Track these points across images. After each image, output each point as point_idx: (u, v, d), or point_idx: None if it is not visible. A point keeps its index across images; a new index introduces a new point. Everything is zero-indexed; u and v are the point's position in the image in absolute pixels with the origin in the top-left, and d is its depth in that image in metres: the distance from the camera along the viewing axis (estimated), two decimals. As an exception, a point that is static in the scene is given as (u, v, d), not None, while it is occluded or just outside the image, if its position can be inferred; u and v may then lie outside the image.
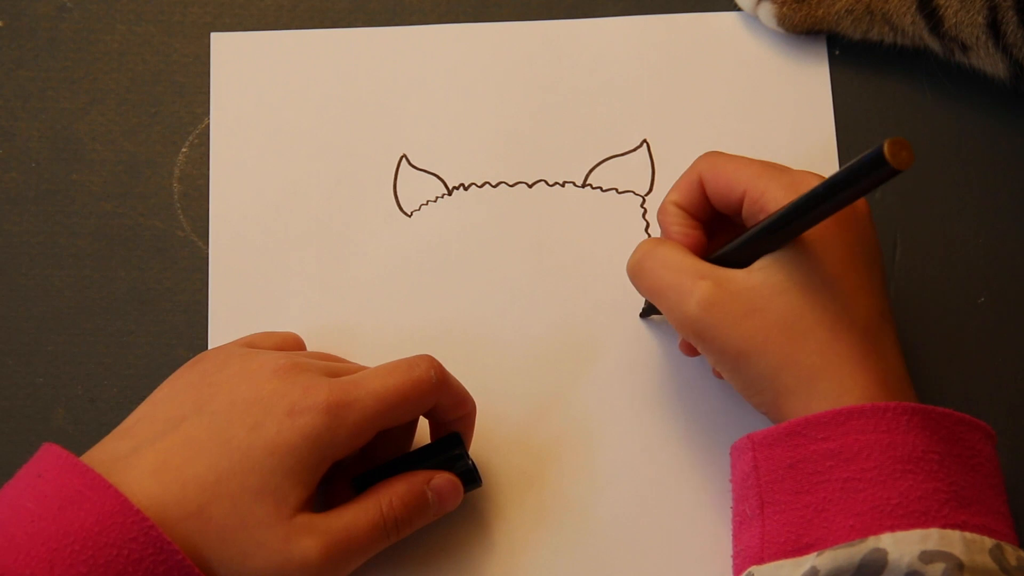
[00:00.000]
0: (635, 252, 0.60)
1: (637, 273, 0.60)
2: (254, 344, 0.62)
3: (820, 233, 0.56)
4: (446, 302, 0.67)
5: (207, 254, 0.67)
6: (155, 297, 0.67)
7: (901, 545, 0.51)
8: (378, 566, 0.60)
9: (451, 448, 0.60)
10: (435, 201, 0.68)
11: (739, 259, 0.58)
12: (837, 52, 0.70)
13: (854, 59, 0.69)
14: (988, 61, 0.66)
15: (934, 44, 0.67)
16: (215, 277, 0.67)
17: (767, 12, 0.69)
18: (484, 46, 0.70)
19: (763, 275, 0.56)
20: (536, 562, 0.62)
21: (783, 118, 0.69)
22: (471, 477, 0.60)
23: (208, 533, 0.53)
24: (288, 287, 0.67)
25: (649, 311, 0.66)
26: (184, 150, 0.69)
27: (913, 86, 0.69)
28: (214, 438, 0.55)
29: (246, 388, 0.57)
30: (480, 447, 0.63)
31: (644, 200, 0.68)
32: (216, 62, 0.70)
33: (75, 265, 0.67)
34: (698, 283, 0.57)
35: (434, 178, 0.69)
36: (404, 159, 0.69)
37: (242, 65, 0.70)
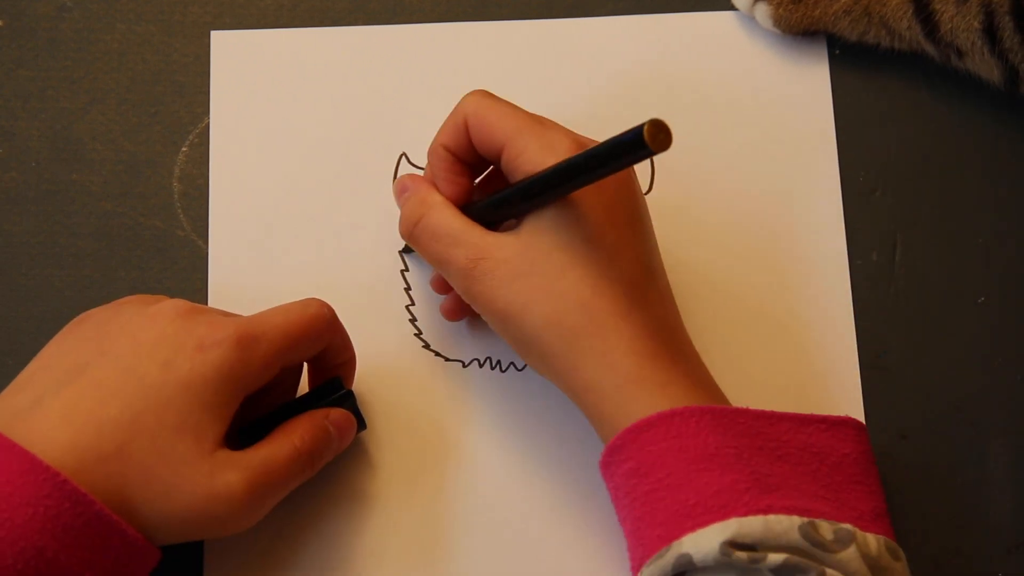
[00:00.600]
0: (405, 216, 0.61)
1: (411, 242, 0.62)
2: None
3: (581, 195, 0.57)
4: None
5: (207, 254, 0.67)
6: (155, 297, 0.67)
7: (701, 542, 0.51)
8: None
9: (334, 392, 0.61)
10: (435, 200, 0.68)
11: (497, 215, 0.60)
12: (837, 52, 0.69)
13: (854, 59, 0.69)
14: (983, 67, 0.66)
15: (930, 49, 0.67)
16: (215, 277, 0.67)
17: (763, 13, 0.69)
18: (484, 45, 0.70)
19: (528, 238, 0.58)
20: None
21: (783, 118, 0.69)
22: (357, 419, 0.61)
23: (129, 473, 0.53)
24: (288, 286, 0.67)
25: (408, 248, 0.67)
26: (184, 150, 0.69)
27: (913, 86, 0.69)
28: (124, 378, 0.54)
29: (148, 329, 0.56)
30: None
31: (644, 199, 0.68)
32: (216, 61, 0.70)
33: (75, 265, 0.67)
34: (465, 252, 0.58)
35: (434, 177, 0.69)
36: (404, 157, 0.69)
37: (242, 64, 0.70)
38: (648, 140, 0.49)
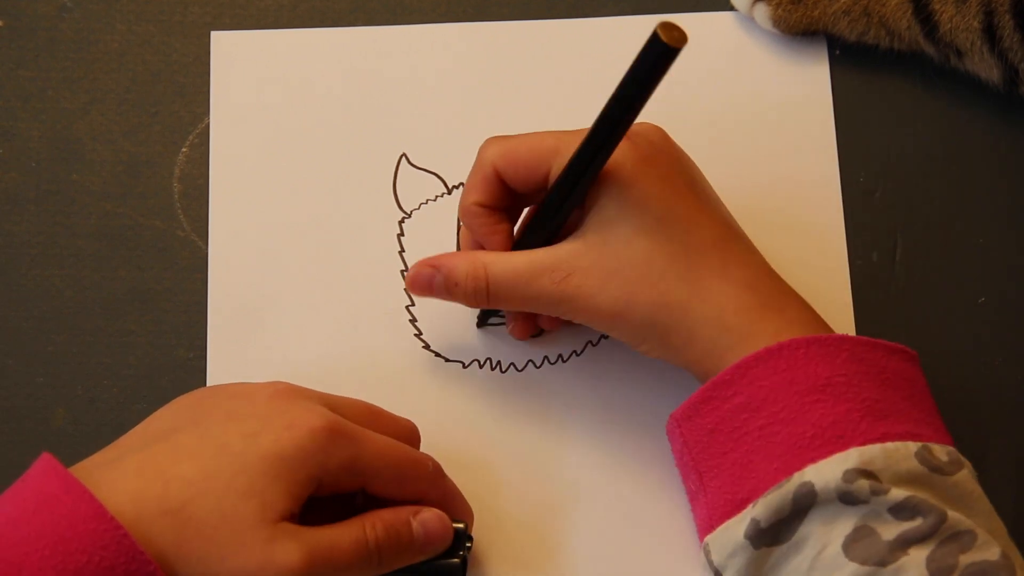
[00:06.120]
0: (470, 294, 0.60)
1: (493, 307, 0.61)
2: None
3: (630, 178, 0.57)
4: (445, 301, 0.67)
5: (207, 254, 0.67)
6: (155, 297, 0.67)
7: (824, 472, 0.53)
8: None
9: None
10: (435, 200, 0.68)
11: (558, 219, 0.59)
12: (837, 52, 0.69)
13: (854, 59, 0.69)
14: (982, 66, 0.66)
15: (930, 49, 0.67)
16: (215, 277, 0.67)
17: (763, 13, 0.69)
18: (484, 46, 0.70)
19: (600, 236, 0.58)
20: None
21: (783, 118, 0.69)
22: (462, 563, 0.59)
23: (188, 531, 0.52)
24: (288, 286, 0.67)
25: (483, 320, 0.66)
26: (184, 150, 0.69)
27: (913, 86, 0.69)
28: (206, 444, 0.54)
29: (243, 405, 0.56)
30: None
31: (644, 200, 0.68)
32: (216, 61, 0.70)
33: (75, 265, 0.67)
34: (548, 279, 0.58)
35: (434, 177, 0.69)
36: (404, 158, 0.69)
37: (242, 64, 0.70)
38: (665, 39, 0.50)
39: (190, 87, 0.70)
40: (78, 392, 0.66)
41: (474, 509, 0.61)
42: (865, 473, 0.53)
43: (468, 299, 0.61)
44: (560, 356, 0.66)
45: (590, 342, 0.66)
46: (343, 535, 0.55)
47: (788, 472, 0.54)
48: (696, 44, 0.70)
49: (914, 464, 0.53)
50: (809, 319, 0.58)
